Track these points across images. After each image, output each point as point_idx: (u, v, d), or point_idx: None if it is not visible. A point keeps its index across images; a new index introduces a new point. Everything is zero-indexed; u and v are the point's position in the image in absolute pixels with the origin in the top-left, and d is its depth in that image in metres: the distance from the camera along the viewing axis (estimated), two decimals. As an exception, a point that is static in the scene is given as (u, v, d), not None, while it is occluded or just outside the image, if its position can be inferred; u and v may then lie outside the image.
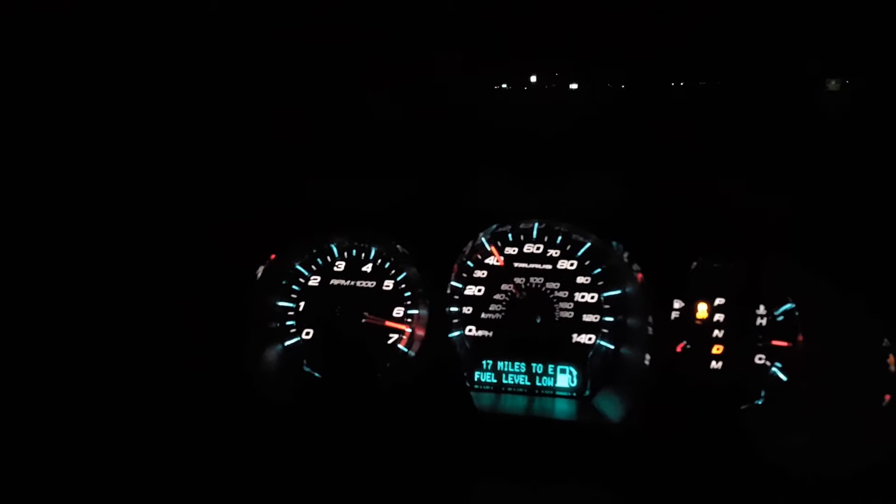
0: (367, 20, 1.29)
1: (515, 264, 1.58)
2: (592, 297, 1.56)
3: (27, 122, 1.37)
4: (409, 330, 1.58)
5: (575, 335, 1.57)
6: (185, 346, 1.40)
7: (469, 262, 1.58)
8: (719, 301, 1.50)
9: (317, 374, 1.60)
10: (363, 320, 1.58)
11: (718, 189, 1.33)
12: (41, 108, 1.37)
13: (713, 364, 1.49)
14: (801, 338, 1.45)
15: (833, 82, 1.31)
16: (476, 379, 1.57)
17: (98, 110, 1.39)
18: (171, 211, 1.42)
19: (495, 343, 1.58)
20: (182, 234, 1.43)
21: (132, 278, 1.41)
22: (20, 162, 1.38)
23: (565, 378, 1.55)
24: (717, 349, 1.49)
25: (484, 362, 1.57)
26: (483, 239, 1.55)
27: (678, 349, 1.49)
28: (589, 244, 1.54)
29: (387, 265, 1.60)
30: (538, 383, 1.56)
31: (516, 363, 1.57)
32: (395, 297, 1.59)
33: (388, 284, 1.59)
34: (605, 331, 1.55)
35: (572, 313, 1.56)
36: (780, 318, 1.47)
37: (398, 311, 1.59)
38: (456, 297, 1.58)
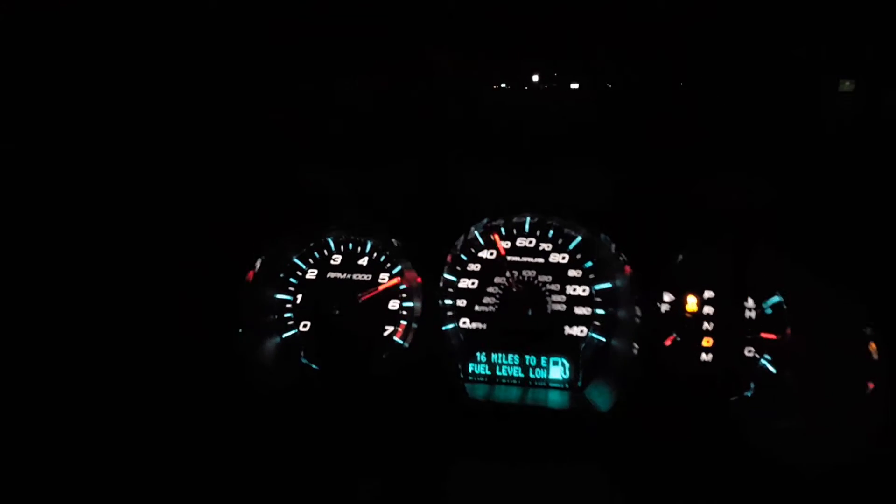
0: (362, 15, 1.32)
1: (508, 258, 1.60)
2: (584, 290, 1.58)
3: (23, 113, 1.40)
4: (405, 314, 1.62)
5: (567, 327, 1.59)
6: (182, 338, 1.43)
7: (462, 256, 1.61)
8: (709, 294, 1.52)
9: (314, 366, 1.63)
10: (359, 301, 1.60)
11: (704, 181, 1.35)
12: (37, 100, 1.40)
13: (703, 356, 1.51)
14: (789, 330, 1.47)
15: (847, 83, 1.31)
16: (470, 371, 1.60)
17: (94, 105, 1.42)
18: (168, 203, 1.46)
19: (489, 335, 1.61)
20: (179, 226, 1.46)
21: (129, 271, 1.44)
22: (18, 155, 1.41)
23: (558, 370, 1.57)
24: (706, 342, 1.51)
25: (478, 354, 1.60)
26: (476, 232, 1.58)
27: (668, 341, 1.51)
28: (580, 238, 1.57)
29: (382, 258, 1.63)
30: (531, 375, 1.58)
31: (510, 355, 1.59)
32: (390, 291, 1.62)
33: (384, 277, 1.63)
34: (596, 323, 1.58)
35: (564, 306, 1.59)
36: (769, 311, 1.49)
37: (393, 304, 1.62)
38: (450, 289, 1.61)
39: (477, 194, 1.45)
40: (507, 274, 1.59)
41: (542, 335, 1.58)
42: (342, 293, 1.62)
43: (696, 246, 1.39)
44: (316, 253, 1.64)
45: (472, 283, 1.61)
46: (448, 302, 1.61)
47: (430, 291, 1.47)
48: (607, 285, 1.56)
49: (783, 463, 1.25)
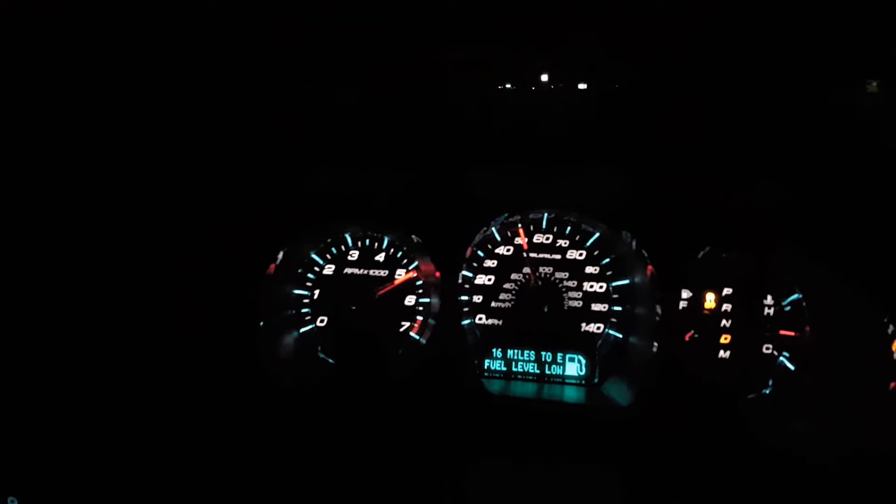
0: (371, 14, 1.31)
1: (525, 254, 1.60)
2: (601, 287, 1.58)
3: (27, 115, 1.41)
4: (421, 309, 1.62)
5: (584, 324, 1.59)
6: (199, 334, 1.44)
7: (479, 252, 1.61)
8: (727, 291, 1.51)
9: (331, 361, 1.64)
10: (376, 296, 1.61)
11: (726, 179, 1.35)
12: (42, 102, 1.41)
13: (721, 353, 1.51)
14: (808, 328, 1.46)
15: (874, 84, 1.30)
16: (486, 367, 1.60)
17: (104, 105, 1.43)
18: (185, 201, 1.47)
19: (505, 331, 1.61)
20: (196, 223, 1.47)
21: (147, 269, 1.45)
22: (26, 158, 1.42)
23: (574, 366, 1.57)
24: (724, 339, 1.51)
25: (494, 350, 1.60)
26: (493, 228, 1.58)
27: (686, 338, 1.51)
28: (598, 234, 1.56)
29: (399, 254, 1.63)
30: (547, 371, 1.58)
31: (526, 351, 1.59)
32: (407, 286, 1.63)
33: (401, 273, 1.63)
34: (613, 320, 1.58)
35: (581, 302, 1.59)
36: (788, 308, 1.48)
37: (410, 300, 1.63)
38: (466, 286, 1.62)
39: (495, 190, 1.44)
40: (527, 269, 1.59)
41: (559, 332, 1.58)
42: (359, 289, 1.62)
43: (715, 243, 1.38)
44: (333, 248, 1.65)
45: (489, 280, 1.62)
46: (464, 298, 1.61)
47: (449, 287, 1.47)
48: (625, 282, 1.56)
49: (801, 461, 1.24)
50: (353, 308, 1.62)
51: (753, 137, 1.34)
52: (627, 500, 1.25)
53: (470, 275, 1.62)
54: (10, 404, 1.35)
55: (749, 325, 1.50)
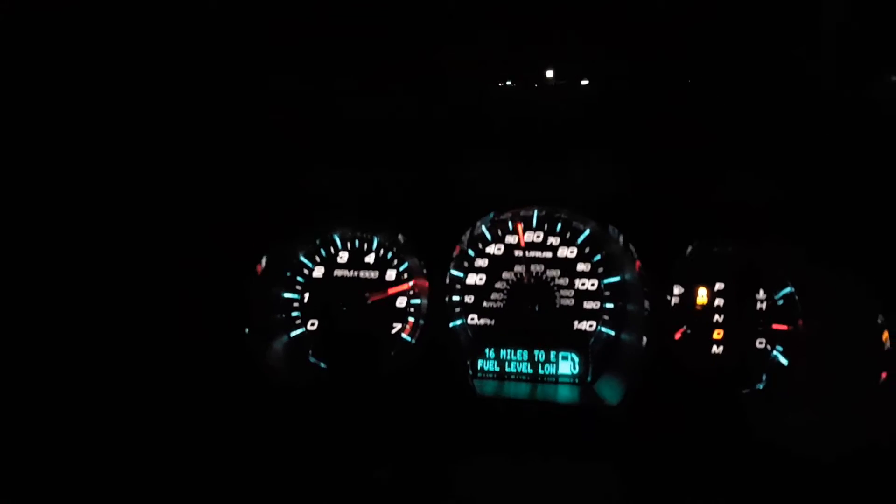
0: (367, 13, 1.31)
1: (516, 252, 1.59)
2: (593, 284, 1.57)
3: (25, 114, 1.40)
4: (412, 310, 1.61)
5: (576, 322, 1.58)
6: (191, 336, 1.42)
7: (470, 251, 1.60)
8: (719, 286, 1.50)
9: (322, 365, 1.62)
10: (368, 301, 1.60)
11: (714, 173, 1.34)
12: (40, 102, 1.40)
13: (714, 349, 1.50)
14: (800, 321, 1.45)
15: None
16: (479, 367, 1.59)
17: (99, 104, 1.42)
18: (175, 202, 1.45)
19: (497, 331, 1.60)
20: (186, 225, 1.46)
21: (138, 271, 1.44)
22: (23, 155, 1.41)
23: (567, 365, 1.56)
24: (717, 334, 1.50)
25: (487, 350, 1.59)
26: (483, 227, 1.57)
27: (679, 334, 1.50)
28: (588, 231, 1.55)
29: (389, 255, 1.62)
30: (541, 371, 1.57)
31: (519, 351, 1.58)
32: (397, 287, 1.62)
33: (391, 274, 1.62)
34: (605, 317, 1.57)
35: (573, 300, 1.58)
36: (780, 302, 1.48)
37: (401, 302, 1.62)
38: (457, 286, 1.60)
39: (483, 188, 1.44)
40: (519, 268, 1.58)
41: (551, 330, 1.57)
42: (350, 291, 1.61)
43: (706, 238, 1.38)
44: (322, 251, 1.64)
45: (480, 279, 1.60)
46: (456, 298, 1.60)
47: (437, 288, 1.46)
48: (616, 279, 1.55)
49: (795, 455, 1.24)
50: (344, 310, 1.60)
51: (743, 132, 1.34)
52: (623, 499, 1.24)
53: (460, 275, 1.60)
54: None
55: (742, 319, 1.49)
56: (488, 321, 1.61)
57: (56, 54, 1.37)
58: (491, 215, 1.48)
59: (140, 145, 1.45)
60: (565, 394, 1.49)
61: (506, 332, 1.59)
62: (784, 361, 1.46)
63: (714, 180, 1.35)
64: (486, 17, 1.36)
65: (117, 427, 1.35)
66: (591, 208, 1.43)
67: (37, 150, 1.42)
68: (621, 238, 1.40)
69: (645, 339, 1.37)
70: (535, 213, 1.56)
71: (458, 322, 1.60)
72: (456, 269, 1.59)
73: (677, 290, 1.51)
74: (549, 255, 1.59)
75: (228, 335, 1.46)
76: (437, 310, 1.45)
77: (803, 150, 1.31)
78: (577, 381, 1.56)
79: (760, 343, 1.49)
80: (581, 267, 1.58)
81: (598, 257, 1.57)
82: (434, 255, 1.44)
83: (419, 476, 1.27)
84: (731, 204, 1.34)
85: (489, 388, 1.52)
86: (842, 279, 1.32)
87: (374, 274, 1.62)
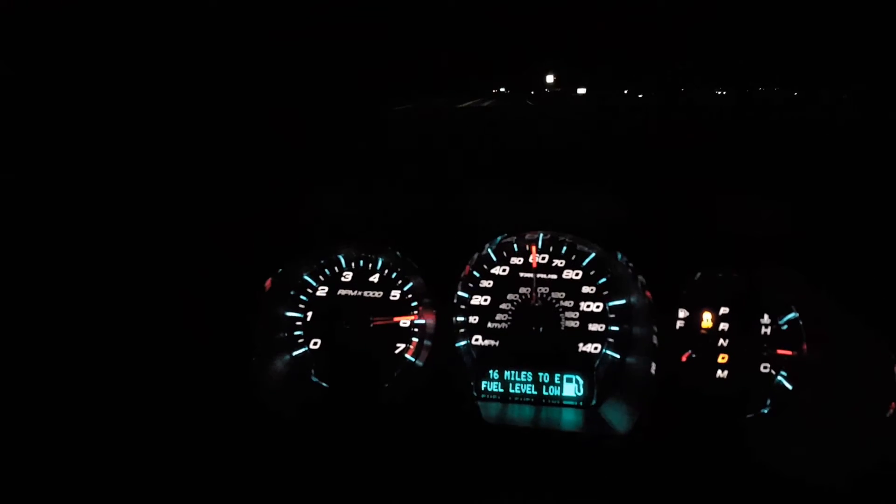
0: (368, 23, 1.30)
1: (521, 274, 1.59)
2: (598, 307, 1.57)
3: (28, 128, 1.39)
4: (416, 331, 1.60)
5: (581, 344, 1.58)
6: (192, 356, 1.41)
7: (475, 273, 1.60)
8: (724, 310, 1.51)
9: (324, 385, 1.61)
10: (371, 325, 1.59)
11: (720, 200, 1.35)
12: (43, 116, 1.39)
13: (718, 373, 1.50)
14: (805, 346, 1.46)
15: None
16: (483, 388, 1.58)
17: (102, 119, 1.41)
18: (178, 221, 1.44)
19: (501, 352, 1.60)
20: (189, 244, 1.45)
21: (139, 289, 1.42)
22: (22, 169, 1.39)
23: (572, 387, 1.56)
24: (722, 358, 1.50)
25: (490, 372, 1.58)
26: (489, 249, 1.57)
27: (683, 358, 1.50)
28: (594, 254, 1.55)
29: (394, 275, 1.61)
30: (545, 392, 1.57)
31: (523, 372, 1.57)
32: (402, 307, 1.61)
33: (395, 294, 1.61)
34: (610, 340, 1.56)
35: (578, 322, 1.57)
36: (785, 326, 1.48)
37: (405, 322, 1.61)
38: (462, 306, 1.60)
39: (490, 213, 1.44)
40: (525, 289, 1.58)
41: (556, 352, 1.57)
42: (353, 311, 1.60)
43: (712, 263, 1.38)
44: (326, 270, 1.63)
45: (485, 300, 1.60)
46: (460, 319, 1.60)
47: (444, 309, 1.45)
48: (621, 302, 1.55)
49: (800, 482, 1.23)
50: (348, 329, 1.59)
51: (748, 158, 1.34)
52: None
53: (466, 295, 1.60)
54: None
55: (746, 344, 1.49)
56: (493, 342, 1.61)
57: (56, 59, 1.36)
58: (498, 239, 1.48)
59: (143, 162, 1.44)
60: (570, 417, 1.49)
61: (510, 354, 1.59)
62: (789, 386, 1.47)
63: (720, 206, 1.35)
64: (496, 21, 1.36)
65: (110, 443, 1.33)
66: (598, 234, 1.43)
67: (38, 165, 1.41)
68: (629, 264, 1.40)
69: (654, 364, 1.37)
70: (541, 236, 1.56)
71: (463, 343, 1.59)
72: (461, 290, 1.59)
73: (682, 313, 1.51)
74: (554, 276, 1.58)
75: (230, 354, 1.45)
76: (443, 331, 1.44)
77: (810, 177, 1.32)
78: (581, 403, 1.55)
79: (765, 368, 1.49)
80: (586, 289, 1.57)
81: (603, 280, 1.56)
82: (441, 278, 1.43)
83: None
84: (736, 230, 1.35)
85: (493, 410, 1.51)
86: (848, 306, 1.32)
87: (378, 294, 1.61)
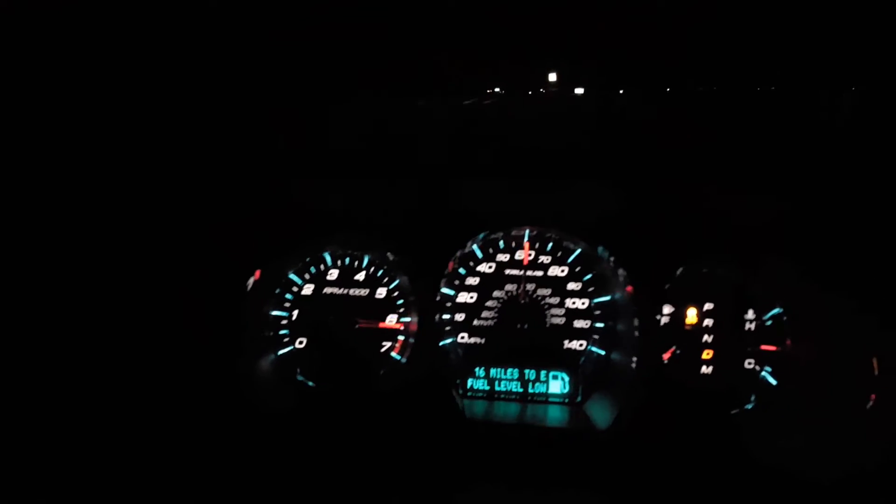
0: (365, 19, 1.30)
1: (507, 271, 1.59)
2: (583, 304, 1.57)
3: (22, 122, 1.38)
4: (402, 329, 1.59)
5: (566, 341, 1.58)
6: (178, 355, 1.40)
7: (461, 270, 1.60)
8: (708, 306, 1.51)
9: (310, 383, 1.60)
10: (357, 326, 1.58)
11: (704, 194, 1.35)
12: (37, 110, 1.38)
13: (703, 369, 1.50)
14: (789, 342, 1.46)
15: None
16: (469, 386, 1.58)
17: (92, 116, 1.40)
18: (163, 218, 1.44)
19: (487, 350, 1.59)
20: (174, 242, 1.44)
21: (125, 288, 1.42)
22: (14, 164, 1.39)
23: (557, 384, 1.56)
24: (707, 354, 1.50)
25: (476, 369, 1.58)
26: (474, 246, 1.57)
27: (668, 354, 1.51)
28: (579, 250, 1.56)
29: (380, 273, 1.61)
30: (531, 389, 1.57)
31: (509, 370, 1.57)
32: (388, 305, 1.60)
33: (381, 292, 1.61)
34: (595, 337, 1.57)
35: (563, 319, 1.57)
36: (769, 322, 1.48)
37: (391, 319, 1.60)
38: (448, 304, 1.60)
39: (474, 208, 1.44)
40: (512, 286, 1.58)
41: (541, 349, 1.57)
42: (339, 309, 1.60)
43: (696, 258, 1.39)
44: (312, 268, 1.62)
45: (471, 297, 1.60)
46: (446, 317, 1.60)
47: (427, 306, 1.45)
48: (607, 298, 1.55)
49: (785, 476, 1.24)
50: (333, 328, 1.59)
51: (733, 152, 1.35)
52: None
53: (451, 293, 1.60)
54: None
55: (731, 340, 1.49)
56: (478, 340, 1.60)
57: (51, 54, 1.35)
58: (482, 235, 1.48)
59: (128, 161, 1.43)
60: (555, 414, 1.49)
61: (496, 351, 1.59)
62: (773, 382, 1.47)
63: (704, 201, 1.36)
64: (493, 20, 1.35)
65: (98, 442, 1.32)
66: (582, 229, 1.43)
67: (34, 164, 1.40)
68: (611, 259, 1.40)
69: (635, 359, 1.37)
70: (527, 232, 1.56)
71: (449, 340, 1.59)
72: (447, 287, 1.59)
73: (667, 309, 1.51)
74: (540, 273, 1.59)
75: (216, 353, 1.44)
76: (427, 328, 1.44)
77: (797, 171, 1.33)
78: (566, 400, 1.55)
79: (749, 363, 1.49)
80: (572, 286, 1.58)
81: (588, 276, 1.57)
82: (424, 274, 1.43)
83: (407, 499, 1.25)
84: (720, 225, 1.35)
85: (479, 407, 1.51)
86: (832, 300, 1.33)
87: (364, 292, 1.61)
